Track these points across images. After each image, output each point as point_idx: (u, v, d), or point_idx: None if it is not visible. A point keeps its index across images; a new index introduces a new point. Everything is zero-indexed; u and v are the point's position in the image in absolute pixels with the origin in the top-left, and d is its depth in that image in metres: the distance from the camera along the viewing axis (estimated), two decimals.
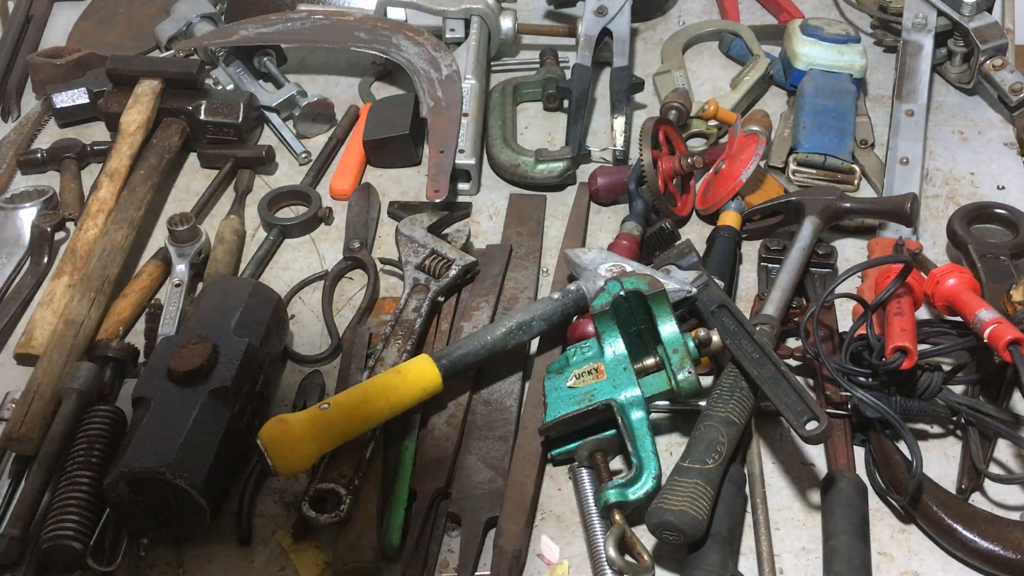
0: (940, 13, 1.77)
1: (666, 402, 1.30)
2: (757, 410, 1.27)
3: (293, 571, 1.19)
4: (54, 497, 1.22)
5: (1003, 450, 1.27)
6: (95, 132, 1.82)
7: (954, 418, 1.27)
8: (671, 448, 1.29)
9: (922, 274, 1.33)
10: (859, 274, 1.40)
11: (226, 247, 1.55)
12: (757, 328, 1.29)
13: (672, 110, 1.63)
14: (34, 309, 1.47)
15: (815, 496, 1.23)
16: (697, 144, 1.72)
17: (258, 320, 1.34)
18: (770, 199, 1.54)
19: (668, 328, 1.23)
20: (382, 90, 1.88)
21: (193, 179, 1.73)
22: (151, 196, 1.60)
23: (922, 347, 1.26)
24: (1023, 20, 2.09)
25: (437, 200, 1.54)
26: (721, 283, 1.37)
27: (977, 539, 1.14)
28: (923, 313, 1.38)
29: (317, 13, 1.89)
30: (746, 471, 1.24)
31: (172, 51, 1.90)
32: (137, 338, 1.46)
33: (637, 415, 1.21)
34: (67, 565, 1.19)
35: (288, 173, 1.73)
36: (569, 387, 1.25)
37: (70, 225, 1.62)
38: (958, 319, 1.28)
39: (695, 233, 1.56)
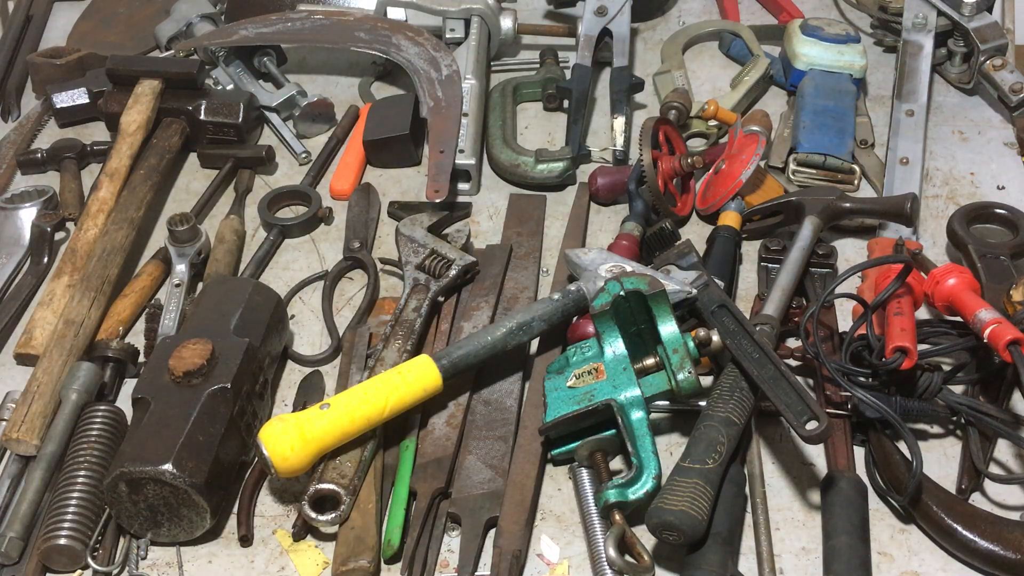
0: (940, 13, 1.77)
1: (666, 402, 1.30)
2: (757, 410, 1.27)
3: (293, 571, 1.19)
4: (54, 497, 1.22)
5: (1003, 450, 1.27)
6: (95, 132, 1.82)
7: (954, 418, 1.27)
8: (671, 448, 1.29)
9: (922, 274, 1.33)
10: (859, 274, 1.40)
11: (226, 247, 1.55)
12: (757, 328, 1.29)
13: (672, 110, 1.63)
14: (34, 309, 1.47)
15: (815, 496, 1.23)
16: (697, 144, 1.72)
17: (258, 320, 1.34)
18: (770, 199, 1.54)
19: (668, 328, 1.23)
20: (382, 90, 1.88)
21: (193, 179, 1.73)
22: (151, 196, 1.60)
23: (922, 347, 1.26)
24: (1023, 20, 2.09)
25: (437, 200, 1.54)
26: (721, 283, 1.37)
27: (977, 539, 1.14)
28: (923, 313, 1.38)
29: (317, 13, 1.89)
30: (746, 471, 1.24)
31: (172, 51, 1.90)
32: (137, 338, 1.46)
33: (637, 415, 1.21)
34: (67, 565, 1.19)
35: (288, 173, 1.73)
36: (569, 387, 1.25)
37: (70, 225, 1.62)
38: (958, 319, 1.28)
39: (695, 233, 1.56)
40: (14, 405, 1.33)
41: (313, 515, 1.19)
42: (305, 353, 1.43)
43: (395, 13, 1.91)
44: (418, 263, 1.46)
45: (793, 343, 1.36)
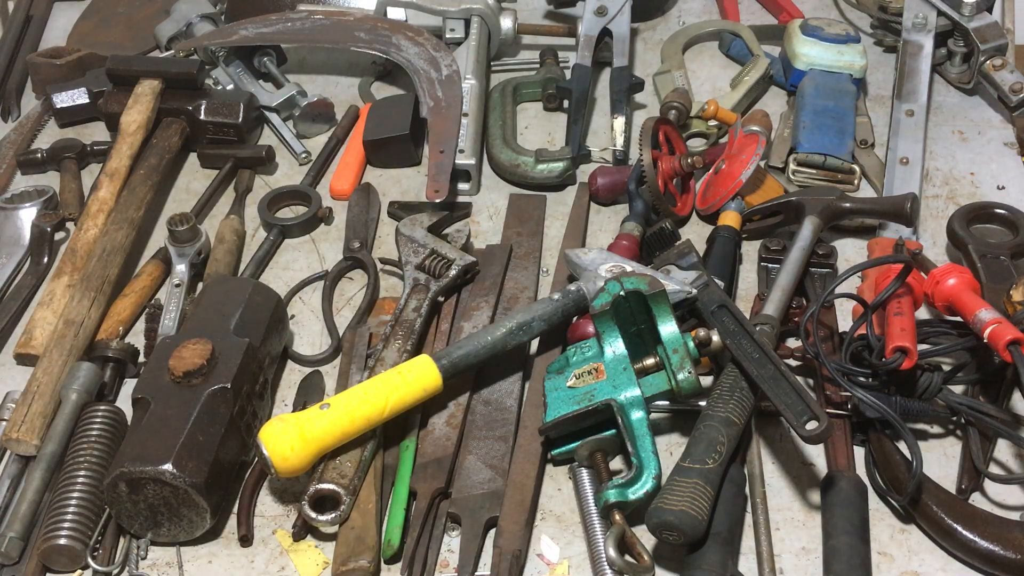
0: (940, 13, 1.77)
1: (666, 402, 1.30)
2: (757, 410, 1.27)
3: (293, 571, 1.19)
4: (54, 497, 1.22)
5: (1003, 450, 1.27)
6: (95, 132, 1.82)
7: (954, 418, 1.27)
8: (671, 448, 1.29)
9: (922, 274, 1.33)
10: (859, 274, 1.40)
11: (226, 247, 1.55)
12: (757, 328, 1.29)
13: (672, 110, 1.63)
14: (34, 309, 1.47)
15: (815, 496, 1.23)
16: (697, 144, 1.72)
17: (258, 320, 1.34)
18: (770, 199, 1.54)
19: (668, 328, 1.23)
20: (382, 90, 1.88)
21: (193, 179, 1.73)
22: (151, 196, 1.60)
23: (922, 347, 1.26)
24: (1023, 20, 2.09)
25: (437, 200, 1.54)
26: (721, 283, 1.37)
27: (977, 539, 1.14)
28: (923, 313, 1.38)
29: (317, 13, 1.89)
30: (746, 471, 1.24)
31: (172, 51, 1.90)
32: (137, 338, 1.46)
33: (637, 415, 1.21)
34: (67, 565, 1.19)
35: (288, 173, 1.73)
36: (569, 387, 1.25)
37: (70, 225, 1.62)
38: (958, 319, 1.28)
39: (695, 233, 1.56)
40: (14, 405, 1.33)
41: (313, 515, 1.19)
42: (305, 353, 1.43)
43: (395, 13, 1.91)
44: (418, 263, 1.46)
45: (793, 343, 1.36)
